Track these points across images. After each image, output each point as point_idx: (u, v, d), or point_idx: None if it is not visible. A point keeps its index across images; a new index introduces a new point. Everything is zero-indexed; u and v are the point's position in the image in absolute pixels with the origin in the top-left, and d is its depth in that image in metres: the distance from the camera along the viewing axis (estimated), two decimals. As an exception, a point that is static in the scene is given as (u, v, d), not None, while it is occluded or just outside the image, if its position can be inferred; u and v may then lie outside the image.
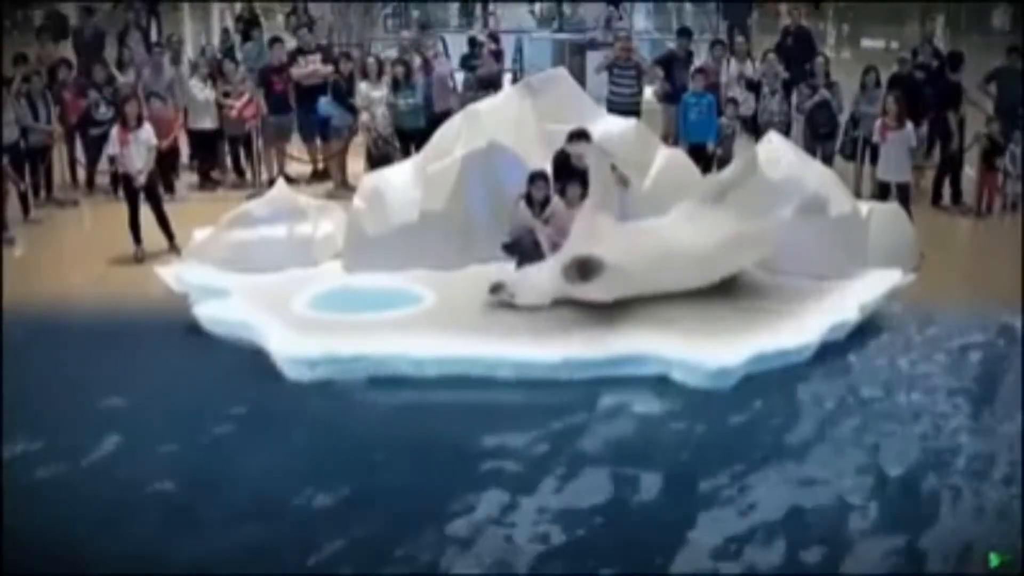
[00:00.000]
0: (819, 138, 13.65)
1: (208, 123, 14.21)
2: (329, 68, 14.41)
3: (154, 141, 12.06)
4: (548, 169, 10.21)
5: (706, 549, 6.92)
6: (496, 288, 9.69)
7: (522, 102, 11.07)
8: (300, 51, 14.73)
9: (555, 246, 9.87)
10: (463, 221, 10.65)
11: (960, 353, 9.59)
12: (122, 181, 12.09)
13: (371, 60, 14.04)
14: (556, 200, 9.97)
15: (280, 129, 14.45)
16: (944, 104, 13.59)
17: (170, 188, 13.71)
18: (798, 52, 14.84)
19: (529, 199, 10.02)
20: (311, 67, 14.46)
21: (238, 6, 19.91)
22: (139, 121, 11.95)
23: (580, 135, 10.01)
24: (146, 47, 15.44)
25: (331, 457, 7.97)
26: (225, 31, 18.62)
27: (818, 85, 13.74)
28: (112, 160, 12.43)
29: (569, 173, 9.99)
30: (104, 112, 13.62)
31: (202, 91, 14.15)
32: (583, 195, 9.82)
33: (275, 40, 15.08)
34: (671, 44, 15.30)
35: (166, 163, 13.58)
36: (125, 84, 14.19)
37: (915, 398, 8.83)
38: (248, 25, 16.81)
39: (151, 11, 21.30)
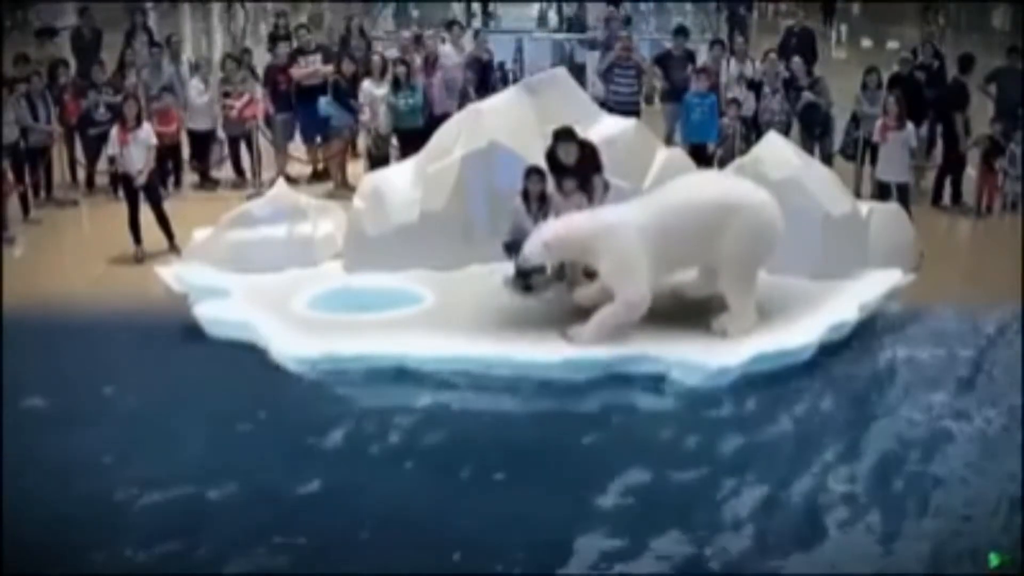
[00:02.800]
0: (815, 137, 13.65)
1: (202, 123, 14.21)
2: (329, 68, 14.41)
3: (153, 141, 12.06)
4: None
5: (706, 549, 6.93)
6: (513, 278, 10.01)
7: (522, 102, 11.07)
8: (300, 51, 14.72)
9: None
10: (463, 221, 10.66)
11: (960, 353, 9.58)
12: (122, 181, 12.09)
13: (375, 58, 14.03)
14: (556, 197, 9.99)
15: (285, 128, 14.47)
16: (950, 105, 13.59)
17: (177, 182, 13.85)
18: (801, 52, 14.85)
19: (526, 194, 10.05)
20: (311, 67, 14.46)
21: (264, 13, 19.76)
22: (138, 121, 11.94)
23: (567, 135, 10.03)
24: (150, 50, 15.40)
25: (331, 457, 7.97)
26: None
27: (801, 87, 13.69)
28: (112, 160, 12.42)
29: (559, 169, 10.01)
30: (103, 112, 13.62)
31: (201, 93, 14.15)
32: (577, 187, 9.91)
33: (279, 39, 15.06)
34: (669, 44, 15.30)
35: (169, 159, 13.61)
36: (130, 84, 14.19)
37: (915, 398, 8.83)
38: (283, 42, 16.46)
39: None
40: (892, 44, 22.78)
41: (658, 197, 9.58)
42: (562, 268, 10.27)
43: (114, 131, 11.96)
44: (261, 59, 15.47)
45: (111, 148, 12.05)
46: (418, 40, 14.95)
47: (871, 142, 13.07)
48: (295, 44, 14.95)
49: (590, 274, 9.86)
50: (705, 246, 9.23)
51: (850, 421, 8.48)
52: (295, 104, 14.40)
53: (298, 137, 14.79)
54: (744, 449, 8.09)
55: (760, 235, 9.30)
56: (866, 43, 25.76)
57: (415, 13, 23.53)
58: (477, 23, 21.17)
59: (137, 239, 11.75)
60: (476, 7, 26.55)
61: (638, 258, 9.13)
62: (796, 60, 14.11)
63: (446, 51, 14.65)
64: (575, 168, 9.98)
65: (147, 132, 11.98)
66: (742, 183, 9.79)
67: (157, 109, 13.61)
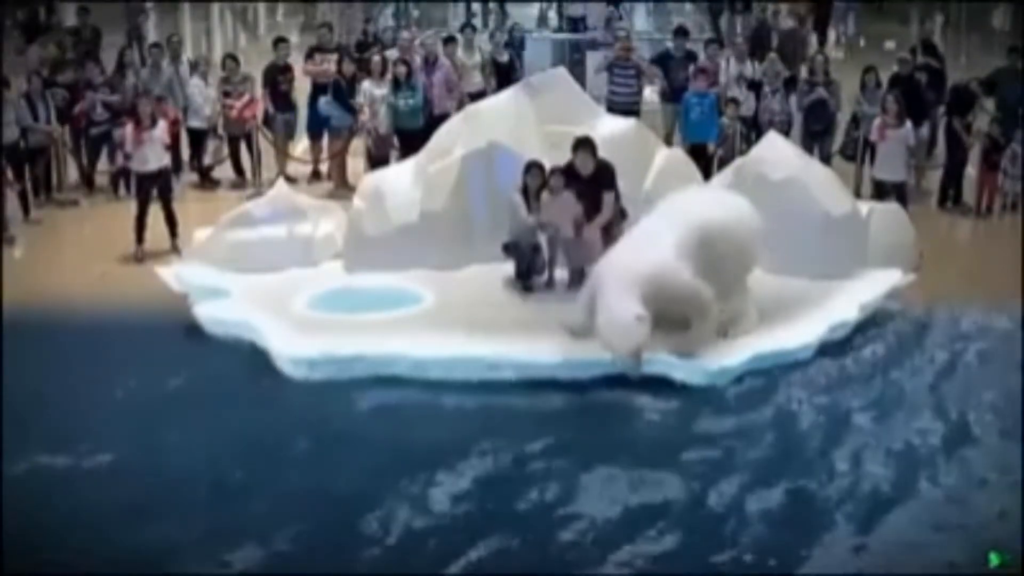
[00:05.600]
0: (814, 135, 13.66)
1: (199, 121, 14.20)
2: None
3: (168, 140, 12.06)
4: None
5: (706, 549, 6.94)
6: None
7: (522, 102, 11.08)
8: (319, 48, 14.86)
9: (552, 238, 10.15)
10: (463, 221, 10.67)
11: (959, 352, 9.57)
12: (135, 180, 12.03)
13: (375, 59, 14.04)
14: (544, 194, 10.04)
15: (285, 128, 14.48)
16: (954, 108, 13.58)
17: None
18: (759, 48, 15.04)
19: (525, 190, 10.08)
20: (324, 65, 14.52)
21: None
22: (153, 120, 11.88)
23: (585, 144, 10.02)
24: (140, 55, 15.41)
25: (330, 457, 7.96)
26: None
27: (818, 83, 13.76)
28: (112, 159, 12.38)
29: (577, 180, 10.02)
30: (101, 112, 13.62)
31: (202, 91, 14.15)
32: (566, 184, 9.93)
33: (279, 40, 15.07)
34: (671, 44, 15.34)
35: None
36: (129, 85, 14.17)
37: (914, 397, 8.83)
38: (282, 44, 16.24)
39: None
40: (888, 44, 22.83)
41: (680, 219, 9.09)
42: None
43: (128, 129, 11.90)
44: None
45: (127, 146, 11.99)
46: (403, 44, 14.95)
47: (870, 141, 13.08)
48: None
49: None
50: (710, 263, 9.03)
51: (850, 421, 8.48)
52: (308, 100, 14.43)
53: (298, 137, 14.82)
54: (745, 448, 8.08)
55: (750, 246, 9.35)
56: (864, 43, 25.77)
57: (415, 13, 23.53)
58: (476, 23, 21.24)
59: (140, 238, 11.72)
60: (476, 7, 26.59)
61: (693, 279, 8.81)
62: (819, 58, 14.25)
63: (459, 55, 14.69)
64: (591, 178, 9.95)
65: (162, 131, 11.95)
66: (726, 197, 9.78)
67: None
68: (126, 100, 13.63)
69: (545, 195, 10.03)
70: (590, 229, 9.92)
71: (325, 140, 14.49)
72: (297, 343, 9.28)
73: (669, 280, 8.70)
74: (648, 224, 9.24)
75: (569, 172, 10.04)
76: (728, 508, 7.35)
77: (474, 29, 16.23)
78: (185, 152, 14.47)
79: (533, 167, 10.11)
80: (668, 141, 13.45)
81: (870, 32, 26.63)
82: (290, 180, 13.19)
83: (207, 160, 14.43)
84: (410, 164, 11.42)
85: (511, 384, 8.88)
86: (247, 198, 12.61)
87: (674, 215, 9.22)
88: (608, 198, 9.96)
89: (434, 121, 12.84)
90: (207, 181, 14.43)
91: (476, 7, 26.60)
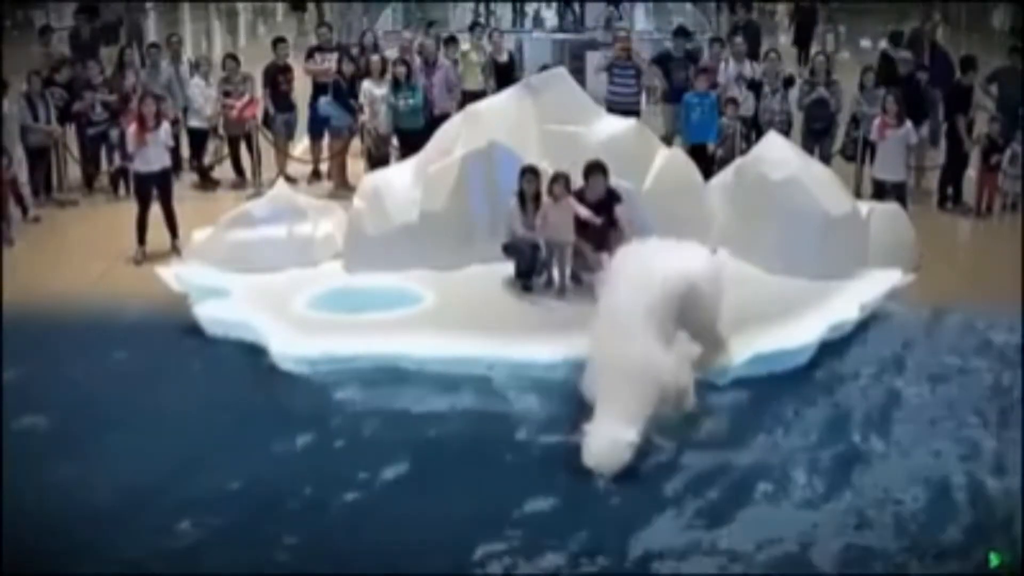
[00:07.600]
0: (814, 134, 13.67)
1: (199, 121, 14.20)
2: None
3: (171, 142, 12.04)
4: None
5: (705, 549, 6.93)
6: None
7: (522, 102, 11.08)
8: (319, 48, 14.91)
9: (551, 243, 10.12)
10: (463, 221, 10.67)
11: (959, 353, 9.57)
12: (135, 180, 12.02)
13: (375, 59, 14.04)
14: (546, 200, 10.01)
15: (285, 128, 14.49)
16: (953, 107, 13.59)
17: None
18: (747, 45, 15.09)
19: (521, 194, 10.06)
20: (325, 64, 14.53)
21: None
22: (158, 121, 11.86)
23: (597, 168, 9.98)
24: (140, 55, 15.42)
25: (330, 457, 7.97)
26: None
27: (818, 83, 13.77)
28: (111, 159, 12.36)
29: (585, 204, 10.01)
30: (99, 112, 13.62)
31: (203, 91, 14.14)
32: (568, 190, 9.91)
33: (279, 40, 15.08)
34: (671, 44, 15.34)
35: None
36: (128, 84, 14.16)
37: (914, 398, 8.83)
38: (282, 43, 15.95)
39: None
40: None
41: (653, 289, 8.32)
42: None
43: (132, 129, 11.87)
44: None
45: (129, 146, 11.97)
46: (420, 48, 14.93)
47: (870, 141, 13.09)
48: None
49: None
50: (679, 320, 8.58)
51: (849, 421, 8.47)
52: (308, 100, 14.44)
53: (298, 137, 14.82)
54: (743, 449, 8.08)
55: (716, 299, 8.81)
56: (865, 43, 25.78)
57: (418, 14, 23.53)
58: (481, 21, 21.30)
59: (142, 239, 11.71)
60: (474, 7, 26.58)
61: (677, 372, 8.33)
62: (820, 59, 14.29)
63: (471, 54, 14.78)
64: (599, 203, 9.93)
65: (166, 132, 11.93)
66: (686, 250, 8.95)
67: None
68: (125, 100, 13.64)
69: (547, 200, 9.99)
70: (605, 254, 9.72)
71: (325, 140, 14.51)
72: (297, 343, 9.29)
73: (662, 382, 8.04)
74: (626, 298, 8.27)
75: (578, 197, 10.01)
76: (727, 508, 7.35)
77: (484, 27, 16.27)
78: (185, 152, 14.48)
79: (528, 172, 10.08)
80: (668, 141, 13.44)
81: (852, 30, 26.71)
82: (290, 180, 13.20)
83: (207, 160, 14.44)
84: (410, 164, 11.42)
85: (511, 384, 8.87)
86: (247, 198, 12.62)
87: (648, 283, 8.31)
88: (620, 210, 9.94)
89: (434, 121, 12.86)
90: (207, 181, 14.44)
91: (474, 6, 26.59)
